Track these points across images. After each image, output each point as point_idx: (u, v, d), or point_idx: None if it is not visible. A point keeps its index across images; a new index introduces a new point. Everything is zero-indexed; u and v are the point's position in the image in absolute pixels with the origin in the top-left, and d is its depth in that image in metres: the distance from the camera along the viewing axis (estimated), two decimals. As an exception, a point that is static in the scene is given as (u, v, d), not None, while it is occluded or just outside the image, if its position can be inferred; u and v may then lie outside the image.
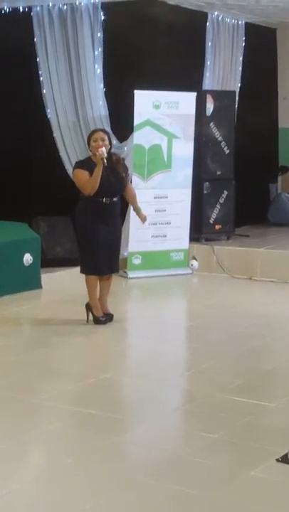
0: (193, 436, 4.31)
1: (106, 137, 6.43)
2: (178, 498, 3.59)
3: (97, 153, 6.32)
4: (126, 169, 6.66)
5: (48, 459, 4.02)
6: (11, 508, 3.48)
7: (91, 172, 6.35)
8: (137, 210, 6.83)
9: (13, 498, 3.56)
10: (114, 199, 6.51)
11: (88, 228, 6.47)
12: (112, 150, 6.68)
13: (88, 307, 6.59)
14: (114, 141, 8.99)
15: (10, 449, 4.07)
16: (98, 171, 6.30)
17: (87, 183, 6.36)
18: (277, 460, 3.92)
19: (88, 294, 6.56)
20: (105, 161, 6.29)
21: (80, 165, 6.57)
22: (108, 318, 6.63)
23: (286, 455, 3.97)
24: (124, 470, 3.88)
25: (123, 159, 6.84)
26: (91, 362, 5.78)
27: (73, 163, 9.15)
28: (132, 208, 7.13)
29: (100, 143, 6.33)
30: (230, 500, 3.57)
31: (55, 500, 3.57)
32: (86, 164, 6.48)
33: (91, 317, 6.58)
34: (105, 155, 6.30)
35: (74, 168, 6.59)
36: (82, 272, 6.61)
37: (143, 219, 6.85)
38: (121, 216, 6.93)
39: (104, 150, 6.31)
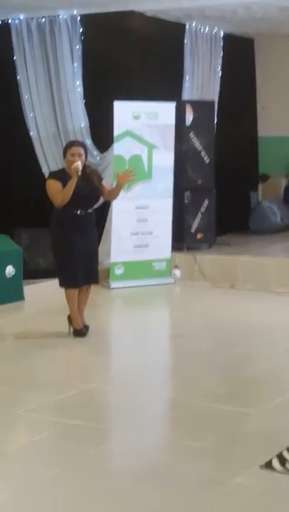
0: (177, 445, 4.32)
1: (83, 151, 6.41)
2: (163, 506, 3.60)
3: (72, 167, 6.29)
4: (100, 179, 6.61)
5: (33, 470, 4.01)
6: (-4, 521, 3.48)
7: (64, 183, 6.32)
8: (120, 186, 6.61)
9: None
10: (89, 210, 6.50)
11: (63, 241, 6.42)
12: (94, 162, 6.66)
13: (69, 319, 6.58)
14: (95, 152, 9.03)
15: (-6, 462, 4.07)
16: (72, 184, 6.28)
17: (59, 194, 6.34)
18: (261, 467, 3.94)
19: (68, 306, 6.53)
20: (80, 174, 6.28)
21: (53, 176, 6.56)
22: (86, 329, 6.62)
23: (270, 462, 3.99)
24: (108, 480, 3.89)
25: (96, 170, 6.83)
26: (74, 373, 5.78)
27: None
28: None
29: (77, 158, 6.33)
30: (215, 508, 3.59)
31: (41, 511, 3.57)
32: (60, 175, 6.45)
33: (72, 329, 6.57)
34: (80, 169, 6.27)
35: (47, 179, 6.56)
36: (61, 285, 6.54)
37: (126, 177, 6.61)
38: (98, 227, 6.90)
39: (79, 164, 6.28)
